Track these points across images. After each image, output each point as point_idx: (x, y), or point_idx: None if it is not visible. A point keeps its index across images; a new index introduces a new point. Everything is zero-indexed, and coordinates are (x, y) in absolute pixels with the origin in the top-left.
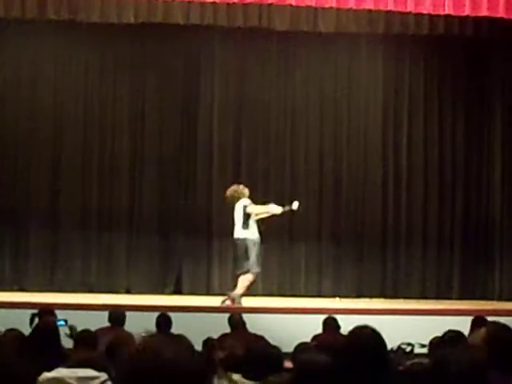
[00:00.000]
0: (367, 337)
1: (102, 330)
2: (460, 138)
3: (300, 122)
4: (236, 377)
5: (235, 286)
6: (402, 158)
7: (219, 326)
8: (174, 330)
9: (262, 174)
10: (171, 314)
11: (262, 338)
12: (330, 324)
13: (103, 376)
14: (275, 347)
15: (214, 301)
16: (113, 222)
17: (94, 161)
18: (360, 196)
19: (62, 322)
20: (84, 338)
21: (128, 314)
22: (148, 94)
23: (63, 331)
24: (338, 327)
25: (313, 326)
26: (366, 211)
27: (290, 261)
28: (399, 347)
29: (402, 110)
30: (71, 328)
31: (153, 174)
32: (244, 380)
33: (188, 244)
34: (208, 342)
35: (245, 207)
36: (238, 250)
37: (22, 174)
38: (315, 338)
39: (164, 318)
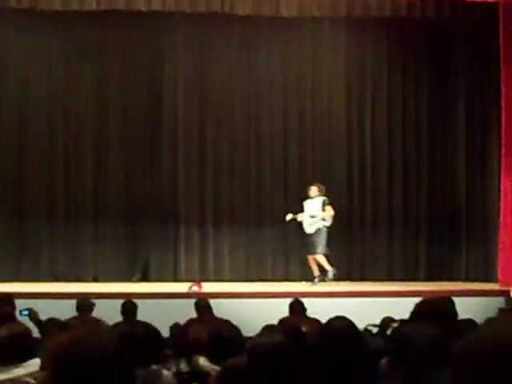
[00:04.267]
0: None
1: (71, 319)
2: (424, 121)
3: (264, 106)
4: (201, 360)
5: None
6: (366, 141)
7: (186, 311)
8: (141, 316)
9: (226, 159)
10: (138, 301)
11: (227, 323)
12: (296, 307)
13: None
14: (237, 330)
15: (182, 287)
16: (79, 210)
17: (59, 149)
18: (325, 180)
19: (26, 312)
20: (53, 327)
21: (95, 301)
22: (112, 80)
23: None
24: (304, 310)
25: (280, 310)
26: (332, 195)
27: (257, 246)
28: (365, 329)
29: (366, 94)
30: (30, 311)
31: (118, 161)
32: (209, 364)
33: (154, 231)
34: (175, 328)
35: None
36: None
37: None
38: (281, 321)
39: (129, 304)
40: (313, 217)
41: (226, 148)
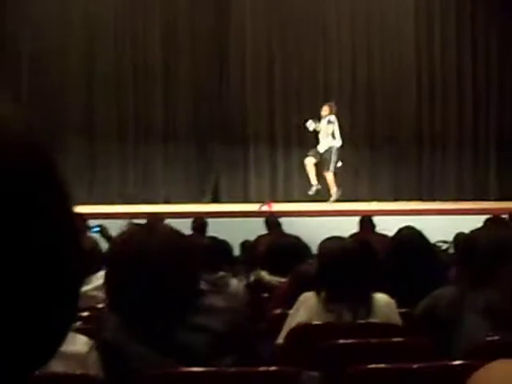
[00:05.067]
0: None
1: None
2: (493, 43)
3: (332, 28)
4: (263, 273)
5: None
6: (435, 62)
7: (256, 229)
8: (212, 234)
9: (295, 78)
10: (209, 220)
11: (297, 238)
12: (366, 223)
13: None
14: (299, 240)
15: (252, 207)
16: (148, 132)
17: (128, 70)
18: (395, 100)
19: (97, 228)
20: None
21: (166, 221)
22: (179, 1)
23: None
24: (374, 226)
25: (349, 227)
26: (401, 114)
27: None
28: (434, 245)
29: (434, 16)
30: (101, 227)
31: (187, 83)
32: (270, 276)
33: (224, 152)
34: (245, 244)
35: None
36: None
37: (56, 90)
38: (351, 236)
39: (200, 221)
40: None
41: (295, 67)
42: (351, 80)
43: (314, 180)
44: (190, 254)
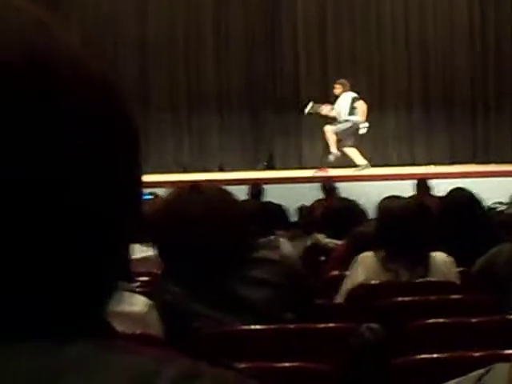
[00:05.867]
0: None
1: None
2: None
3: None
4: (320, 237)
5: None
6: (489, 17)
7: (313, 194)
8: (269, 199)
9: (347, 40)
10: (266, 187)
11: (353, 202)
12: (422, 186)
13: None
14: (355, 203)
15: (307, 173)
16: (202, 101)
17: (180, 38)
18: (448, 62)
19: (148, 196)
20: None
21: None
22: None
23: None
24: (429, 189)
25: (406, 191)
26: (455, 76)
27: (381, 130)
28: (490, 207)
29: None
30: (154, 195)
31: (239, 49)
32: (327, 239)
33: (278, 119)
34: (301, 209)
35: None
36: None
37: (108, 56)
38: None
39: (257, 187)
40: (341, 122)
41: (347, 30)
42: (405, 45)
43: (333, 147)
44: (237, 209)
